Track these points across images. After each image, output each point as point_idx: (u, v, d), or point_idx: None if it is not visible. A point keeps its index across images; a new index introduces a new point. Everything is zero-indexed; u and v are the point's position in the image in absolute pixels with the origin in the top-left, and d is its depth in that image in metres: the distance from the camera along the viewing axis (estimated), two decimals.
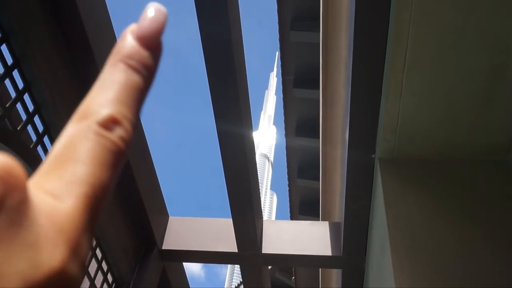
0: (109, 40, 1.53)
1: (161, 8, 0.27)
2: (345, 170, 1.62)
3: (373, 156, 1.54)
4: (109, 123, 0.24)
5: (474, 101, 1.37)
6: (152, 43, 0.26)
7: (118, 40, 0.27)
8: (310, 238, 1.98)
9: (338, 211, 2.60)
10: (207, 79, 1.47)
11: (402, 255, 1.25)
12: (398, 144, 1.45)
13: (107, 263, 1.69)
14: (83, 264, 0.22)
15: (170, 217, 2.09)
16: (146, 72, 0.26)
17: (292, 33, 3.66)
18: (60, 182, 0.22)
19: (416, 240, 1.29)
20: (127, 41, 0.26)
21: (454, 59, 1.29)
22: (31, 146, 1.25)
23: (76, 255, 0.21)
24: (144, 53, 0.26)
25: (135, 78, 0.25)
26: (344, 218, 1.77)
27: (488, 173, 1.46)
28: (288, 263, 2.10)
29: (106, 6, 1.54)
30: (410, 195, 1.40)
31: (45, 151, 1.32)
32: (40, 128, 1.30)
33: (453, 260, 1.24)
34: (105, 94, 0.25)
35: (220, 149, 1.66)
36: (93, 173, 0.22)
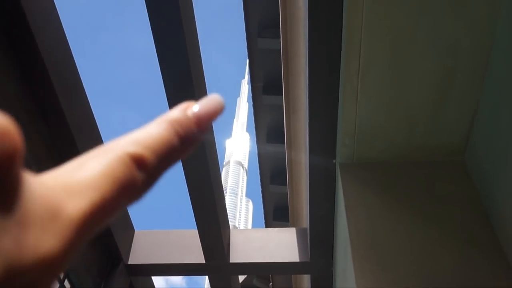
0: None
1: (222, 100, 0.30)
2: (307, 176, 1.63)
3: (334, 161, 1.55)
4: (139, 160, 0.25)
5: (429, 104, 1.39)
6: (203, 124, 0.28)
7: (174, 108, 0.28)
8: (278, 245, 1.98)
9: (306, 217, 2.61)
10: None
11: (363, 258, 1.26)
12: (357, 148, 1.47)
13: (69, 282, 1.65)
14: (68, 263, 0.21)
15: (136, 231, 2.06)
16: (186, 143, 0.27)
17: (259, 40, 3.68)
18: (72, 181, 0.22)
19: (376, 242, 1.30)
20: (183, 112, 0.28)
21: (407, 62, 1.32)
22: None
23: (64, 251, 0.20)
24: (193, 128, 0.28)
25: (175, 143, 0.27)
26: (310, 224, 1.78)
27: (445, 173, 1.49)
28: (256, 271, 2.09)
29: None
30: (370, 198, 1.42)
31: None
32: None
33: (412, 260, 1.26)
34: (146, 139, 0.26)
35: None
36: (107, 188, 0.23)
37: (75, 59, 1.60)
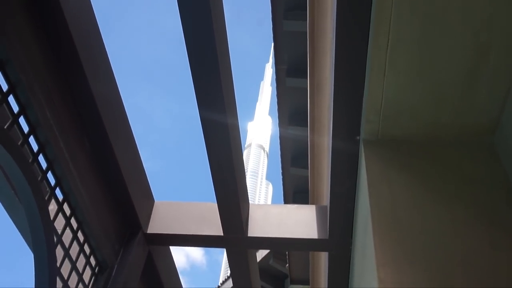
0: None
1: None
2: (329, 152, 1.61)
3: (357, 138, 1.52)
4: None
5: (459, 81, 1.35)
6: None
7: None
8: (296, 221, 1.97)
9: (326, 195, 2.59)
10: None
11: (384, 234, 1.24)
12: (382, 125, 1.44)
13: (89, 247, 1.67)
14: None
15: (155, 201, 2.07)
16: None
17: (285, 22, 3.64)
18: None
19: (398, 219, 1.28)
20: None
21: (438, 38, 1.27)
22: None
23: None
24: None
25: None
26: (330, 201, 1.76)
27: (472, 154, 1.45)
28: (273, 246, 2.09)
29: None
30: (393, 175, 1.39)
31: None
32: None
33: (434, 239, 1.23)
34: None
35: (204, 136, 1.65)
36: None
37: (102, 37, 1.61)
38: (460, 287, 1.14)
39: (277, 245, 2.11)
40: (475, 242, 1.23)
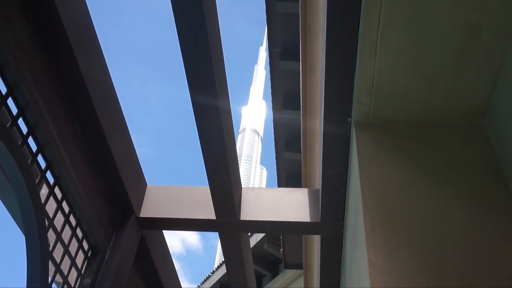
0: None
1: None
2: (321, 135, 1.61)
3: (349, 119, 1.52)
4: None
5: (450, 62, 1.35)
6: None
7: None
8: (289, 204, 1.97)
9: (318, 178, 2.60)
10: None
11: (375, 216, 1.24)
12: (373, 106, 1.43)
13: (82, 230, 1.67)
14: None
15: (148, 185, 2.07)
16: None
17: (279, 4, 3.60)
18: None
19: (389, 201, 1.28)
20: None
21: (429, 17, 1.27)
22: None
23: None
24: None
25: None
26: (322, 184, 1.76)
27: (463, 135, 1.45)
28: (265, 229, 2.10)
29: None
30: (385, 157, 1.39)
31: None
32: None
33: (425, 221, 1.24)
34: None
35: (196, 121, 1.64)
36: None
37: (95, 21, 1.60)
38: (450, 269, 1.15)
39: (269, 228, 2.12)
40: (465, 224, 1.24)
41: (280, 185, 5.45)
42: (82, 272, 1.66)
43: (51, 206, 1.50)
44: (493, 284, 1.12)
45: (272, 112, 4.94)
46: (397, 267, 1.16)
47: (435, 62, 1.35)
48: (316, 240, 2.79)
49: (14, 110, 1.32)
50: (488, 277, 1.13)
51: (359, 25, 1.30)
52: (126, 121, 1.86)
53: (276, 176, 5.53)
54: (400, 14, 1.25)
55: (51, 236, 1.48)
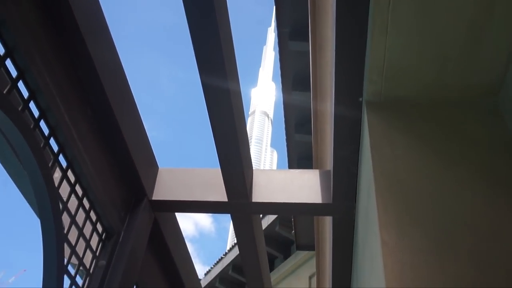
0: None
1: None
2: (332, 115, 1.60)
3: (360, 99, 1.51)
4: None
5: (462, 40, 1.32)
6: None
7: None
8: (300, 186, 1.97)
9: (330, 160, 2.59)
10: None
11: (387, 197, 1.24)
12: (384, 86, 1.42)
13: (95, 213, 1.69)
14: None
15: (159, 168, 2.08)
16: None
17: None
18: None
19: (401, 181, 1.28)
20: None
21: None
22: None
23: None
24: None
25: None
26: (333, 165, 1.76)
27: (476, 114, 1.43)
28: (277, 211, 2.10)
29: None
30: (396, 137, 1.38)
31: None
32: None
33: (437, 201, 1.23)
34: None
35: (206, 103, 1.64)
36: None
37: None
38: (463, 248, 1.15)
39: (281, 210, 2.12)
40: (478, 204, 1.23)
41: (291, 167, 5.45)
42: (97, 254, 1.69)
43: (64, 190, 1.52)
44: (506, 263, 1.12)
45: (282, 94, 4.91)
46: (410, 246, 1.15)
47: (447, 40, 1.33)
48: (327, 222, 2.79)
49: (25, 94, 1.33)
50: (501, 256, 1.13)
51: (369, 3, 1.28)
52: (137, 104, 1.87)
53: (286, 159, 5.53)
54: None
55: (66, 219, 1.50)
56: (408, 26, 1.29)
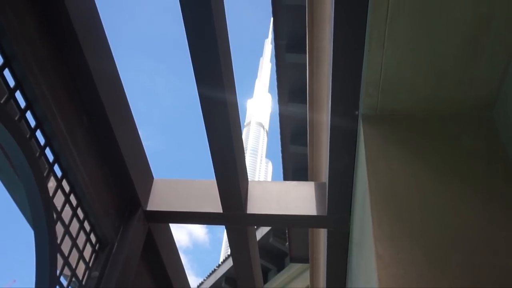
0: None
1: None
2: (328, 127, 1.60)
3: (356, 112, 1.51)
4: None
5: (459, 54, 1.34)
6: None
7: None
8: (295, 198, 1.97)
9: (325, 172, 2.59)
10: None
11: (382, 209, 1.24)
12: (381, 99, 1.42)
13: (89, 223, 1.68)
14: None
15: (154, 178, 2.07)
16: None
17: None
18: None
19: (396, 195, 1.28)
20: None
21: (438, 9, 1.25)
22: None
23: None
24: None
25: None
26: (329, 177, 1.76)
27: (472, 128, 1.44)
28: (272, 223, 2.10)
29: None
30: (392, 150, 1.38)
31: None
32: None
33: (432, 215, 1.23)
34: None
35: (202, 113, 1.64)
36: None
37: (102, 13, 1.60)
38: (458, 262, 1.15)
39: (276, 221, 2.12)
40: (473, 217, 1.23)
41: (286, 178, 5.44)
42: (90, 265, 1.67)
43: (59, 199, 1.51)
44: (500, 277, 1.12)
45: (277, 105, 4.92)
46: (404, 260, 1.15)
47: (443, 55, 1.34)
48: (322, 234, 2.79)
49: (22, 103, 1.32)
50: (495, 270, 1.13)
51: (367, 16, 1.29)
52: (133, 113, 1.87)
53: (281, 170, 5.52)
54: (408, 5, 1.24)
55: (59, 229, 1.49)
56: (405, 40, 1.30)
